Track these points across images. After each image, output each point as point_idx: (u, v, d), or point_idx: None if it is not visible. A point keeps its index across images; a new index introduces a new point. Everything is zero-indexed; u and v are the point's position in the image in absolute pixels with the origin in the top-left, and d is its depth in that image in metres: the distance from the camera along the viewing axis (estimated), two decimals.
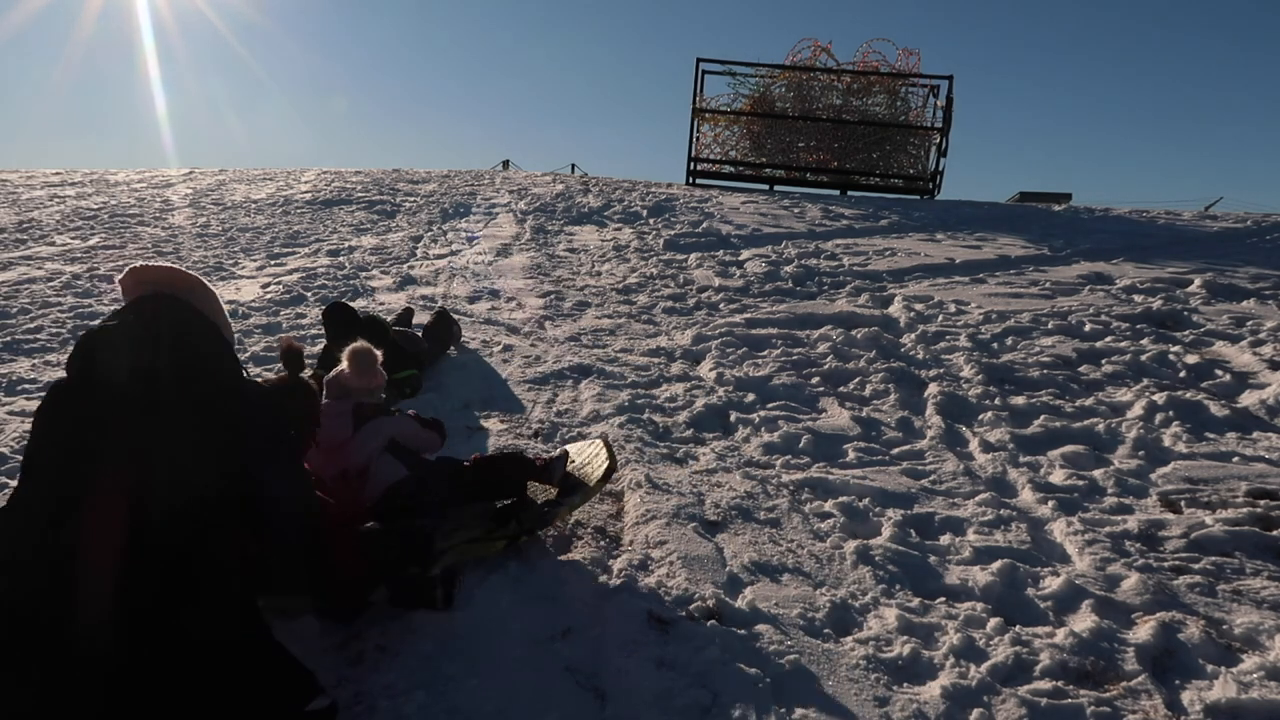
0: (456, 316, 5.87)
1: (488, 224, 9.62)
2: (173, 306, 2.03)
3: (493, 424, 4.05)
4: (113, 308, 5.85)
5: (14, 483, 3.21)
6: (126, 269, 2.15)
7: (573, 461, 3.23)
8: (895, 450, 3.84)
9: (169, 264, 2.21)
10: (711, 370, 4.85)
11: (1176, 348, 5.14)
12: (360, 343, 3.14)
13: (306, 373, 2.52)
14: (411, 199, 10.90)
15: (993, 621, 2.51)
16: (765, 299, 6.45)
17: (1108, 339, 5.36)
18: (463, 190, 11.79)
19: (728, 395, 4.44)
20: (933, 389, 4.49)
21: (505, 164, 20.17)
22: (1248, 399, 4.38)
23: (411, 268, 7.44)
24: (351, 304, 4.65)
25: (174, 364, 1.90)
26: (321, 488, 2.67)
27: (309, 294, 6.41)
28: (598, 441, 3.28)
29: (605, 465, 3.07)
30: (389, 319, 5.34)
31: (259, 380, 2.26)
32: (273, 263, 7.52)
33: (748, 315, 5.94)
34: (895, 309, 6.13)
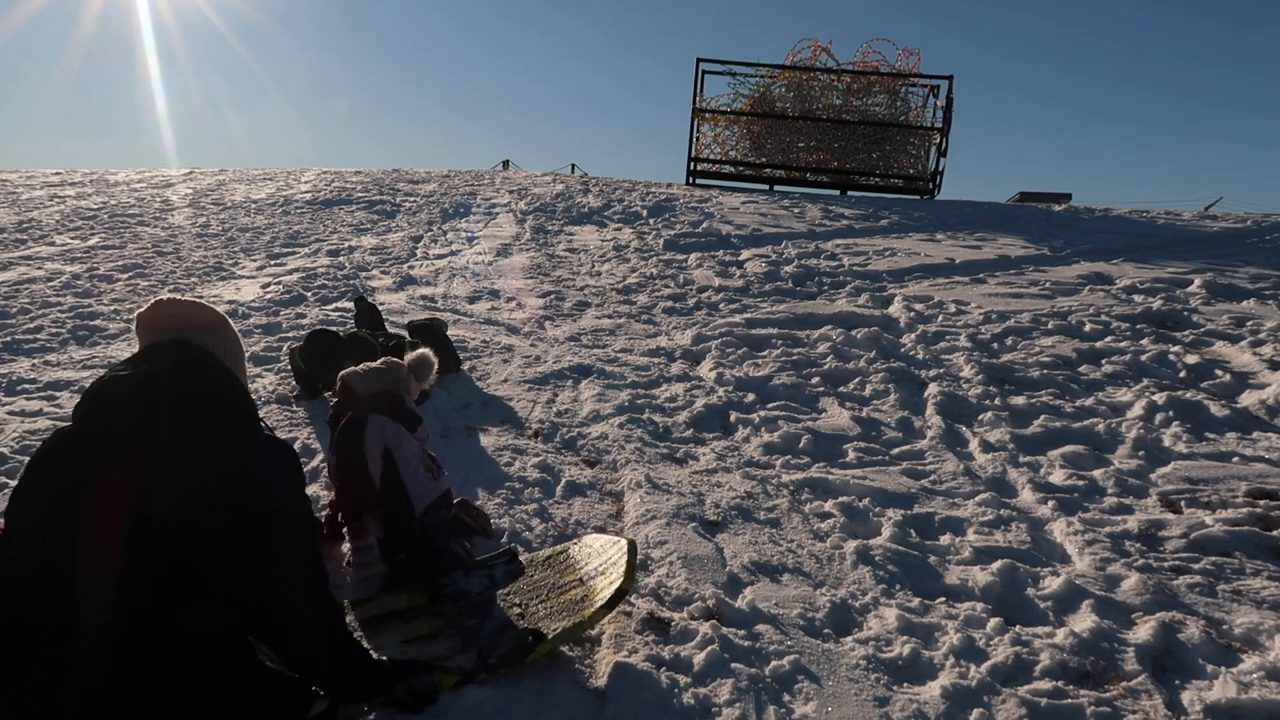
0: (455, 318, 5.88)
1: (488, 224, 9.62)
2: (188, 355, 1.95)
3: (493, 424, 4.05)
4: (112, 308, 5.87)
5: (14, 483, 3.22)
6: (151, 304, 2.06)
7: (573, 563, 2.59)
8: (895, 450, 3.84)
9: (191, 300, 2.12)
10: (711, 370, 4.85)
11: (1176, 348, 5.13)
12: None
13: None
14: (411, 199, 10.90)
15: (993, 621, 2.50)
16: (765, 299, 6.45)
17: (1108, 339, 5.36)
18: (463, 190, 11.80)
19: (728, 395, 4.44)
20: (933, 389, 4.49)
21: (505, 164, 20.16)
22: (1248, 399, 4.38)
23: (411, 268, 7.44)
24: (331, 329, 4.64)
25: (177, 394, 1.85)
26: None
27: (309, 294, 6.41)
28: (622, 544, 2.45)
29: (616, 586, 2.27)
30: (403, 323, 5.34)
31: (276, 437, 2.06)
32: (273, 263, 7.52)
33: (748, 315, 5.94)
34: (895, 309, 6.13)
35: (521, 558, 2.68)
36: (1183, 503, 3.35)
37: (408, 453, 2.71)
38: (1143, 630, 2.48)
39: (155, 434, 1.79)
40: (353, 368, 2.92)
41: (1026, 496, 3.41)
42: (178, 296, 2.12)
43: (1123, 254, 8.16)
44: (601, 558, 2.49)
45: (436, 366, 3.17)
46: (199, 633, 1.76)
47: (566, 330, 5.65)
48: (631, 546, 2.41)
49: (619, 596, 2.26)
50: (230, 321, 2.13)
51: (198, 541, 1.75)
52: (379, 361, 2.98)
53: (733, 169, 14.70)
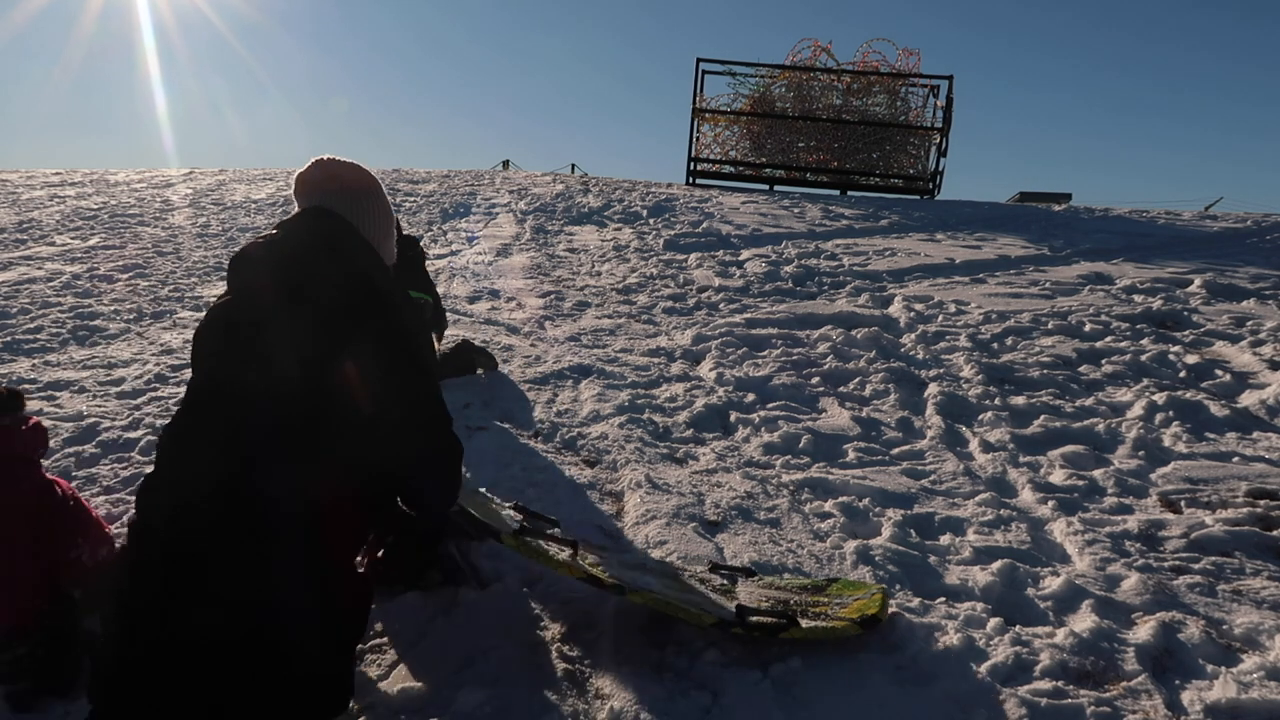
0: (455, 318, 5.87)
1: (488, 224, 9.62)
2: (309, 225, 2.04)
3: (493, 424, 4.05)
4: (112, 308, 5.87)
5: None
6: (311, 161, 2.10)
7: (820, 590, 2.62)
8: (895, 450, 3.84)
9: (347, 162, 2.14)
10: (711, 370, 4.85)
11: (1176, 348, 5.14)
12: None
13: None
14: (411, 199, 10.90)
15: (993, 621, 2.50)
16: (765, 299, 6.45)
17: (1108, 339, 5.36)
18: (463, 190, 11.79)
19: (728, 395, 4.44)
20: (933, 389, 4.49)
21: (505, 164, 20.18)
22: (1248, 399, 4.38)
23: None
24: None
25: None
26: None
27: None
28: (872, 587, 2.60)
29: (870, 612, 2.38)
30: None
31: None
32: None
33: (748, 315, 5.94)
34: (895, 309, 6.13)
35: (766, 578, 2.70)
36: (1183, 503, 3.35)
37: None
38: (1143, 630, 2.48)
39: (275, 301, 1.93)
40: None
41: (1026, 496, 3.41)
42: (336, 157, 2.14)
43: (1123, 254, 8.16)
44: (848, 594, 2.57)
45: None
46: (215, 639, 1.73)
47: (566, 330, 5.65)
48: (884, 590, 2.53)
49: (871, 622, 2.34)
50: (379, 188, 2.15)
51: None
52: None
53: (733, 169, 14.70)
